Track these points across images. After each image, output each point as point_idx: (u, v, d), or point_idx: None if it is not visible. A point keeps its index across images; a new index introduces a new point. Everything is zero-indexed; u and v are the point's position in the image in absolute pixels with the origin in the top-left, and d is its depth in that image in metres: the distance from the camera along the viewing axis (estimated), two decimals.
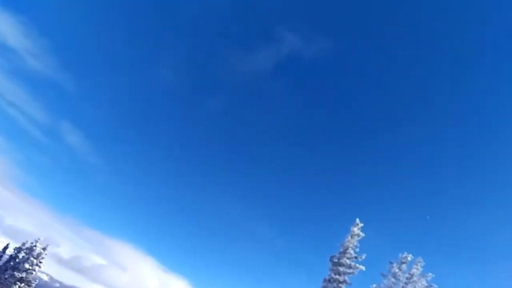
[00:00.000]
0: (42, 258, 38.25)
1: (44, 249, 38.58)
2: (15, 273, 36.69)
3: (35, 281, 37.68)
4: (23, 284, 36.77)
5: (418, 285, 23.00)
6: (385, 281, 23.87)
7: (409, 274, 23.52)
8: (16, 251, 38.51)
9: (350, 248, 25.55)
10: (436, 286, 22.54)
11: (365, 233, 25.86)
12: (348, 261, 25.12)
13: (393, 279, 23.44)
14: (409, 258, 23.94)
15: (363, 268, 25.21)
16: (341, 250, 25.59)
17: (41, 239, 38.86)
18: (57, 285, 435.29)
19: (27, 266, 37.15)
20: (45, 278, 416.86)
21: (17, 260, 37.89)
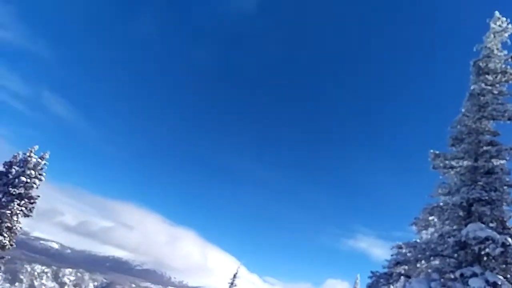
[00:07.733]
0: (41, 169, 29.78)
1: (42, 158, 30.00)
2: (10, 189, 28.39)
3: (38, 197, 29.51)
4: (23, 201, 28.59)
5: None
6: None
7: None
8: (6, 167, 29.93)
9: (496, 50, 17.22)
10: None
11: None
12: (499, 65, 16.88)
13: None
14: None
15: None
16: (484, 53, 17.28)
17: (35, 147, 30.19)
18: (68, 251, 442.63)
19: (24, 179, 28.74)
20: (56, 246, 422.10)
21: (9, 176, 29.39)
